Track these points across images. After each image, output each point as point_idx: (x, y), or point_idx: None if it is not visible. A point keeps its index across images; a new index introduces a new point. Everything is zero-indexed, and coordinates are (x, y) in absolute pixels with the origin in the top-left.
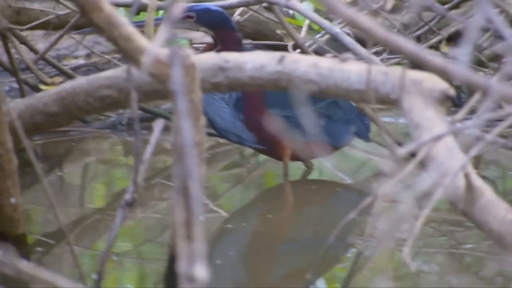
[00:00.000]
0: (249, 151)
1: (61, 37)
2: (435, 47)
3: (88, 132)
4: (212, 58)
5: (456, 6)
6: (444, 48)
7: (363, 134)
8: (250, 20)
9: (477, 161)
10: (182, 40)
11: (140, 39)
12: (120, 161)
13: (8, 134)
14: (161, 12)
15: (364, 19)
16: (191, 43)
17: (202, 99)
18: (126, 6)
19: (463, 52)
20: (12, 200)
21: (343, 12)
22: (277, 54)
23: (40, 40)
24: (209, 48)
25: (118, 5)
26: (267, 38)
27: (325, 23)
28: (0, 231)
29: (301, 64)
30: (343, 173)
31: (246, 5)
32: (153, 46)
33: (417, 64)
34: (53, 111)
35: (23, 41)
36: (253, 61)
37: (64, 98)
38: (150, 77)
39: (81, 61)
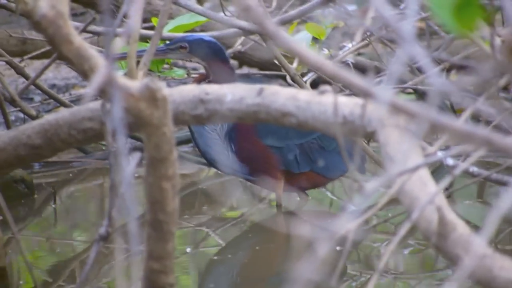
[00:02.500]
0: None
1: (47, 67)
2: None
3: (89, 163)
4: (192, 90)
5: None
6: (453, 76)
7: (359, 166)
8: (257, 49)
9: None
10: (179, 70)
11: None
12: None
13: None
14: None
15: (313, 55)
16: (188, 73)
17: (193, 130)
18: None
19: (386, 85)
20: None
21: (293, 48)
22: (257, 87)
23: (49, 70)
24: (201, 78)
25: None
26: (276, 67)
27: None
28: None
29: (279, 97)
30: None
31: (241, 35)
32: (123, 79)
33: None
34: (36, 144)
35: (20, 72)
36: (233, 93)
37: (47, 131)
38: (120, 110)
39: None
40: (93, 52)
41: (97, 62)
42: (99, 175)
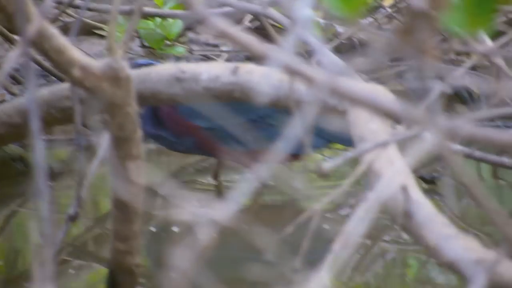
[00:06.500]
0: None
1: None
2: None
3: (92, 140)
4: (169, 68)
5: None
6: None
7: (347, 140)
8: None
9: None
10: (179, 47)
11: (72, 52)
12: None
13: None
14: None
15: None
16: (190, 50)
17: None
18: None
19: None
20: None
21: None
22: (231, 65)
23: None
24: None
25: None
26: None
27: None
28: None
29: (254, 75)
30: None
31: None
32: (85, 58)
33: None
34: (16, 123)
35: None
36: (209, 72)
37: (27, 109)
38: (83, 90)
39: None
40: (54, 31)
41: (59, 41)
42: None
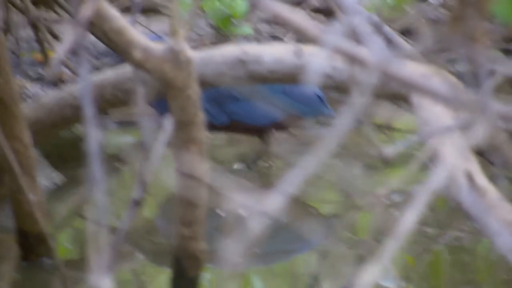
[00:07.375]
0: None
1: None
2: None
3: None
4: (232, 50)
5: None
6: None
7: (308, 112)
8: None
9: None
10: (246, 27)
11: (132, 33)
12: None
13: (26, 129)
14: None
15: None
16: (256, 30)
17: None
18: None
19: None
20: (31, 196)
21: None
22: (294, 47)
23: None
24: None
25: None
26: None
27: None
28: (19, 228)
29: (317, 58)
30: None
31: None
32: (146, 40)
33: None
34: (80, 104)
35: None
36: (272, 54)
37: (92, 91)
38: (143, 72)
39: None
40: (114, 12)
41: (118, 23)
42: None
